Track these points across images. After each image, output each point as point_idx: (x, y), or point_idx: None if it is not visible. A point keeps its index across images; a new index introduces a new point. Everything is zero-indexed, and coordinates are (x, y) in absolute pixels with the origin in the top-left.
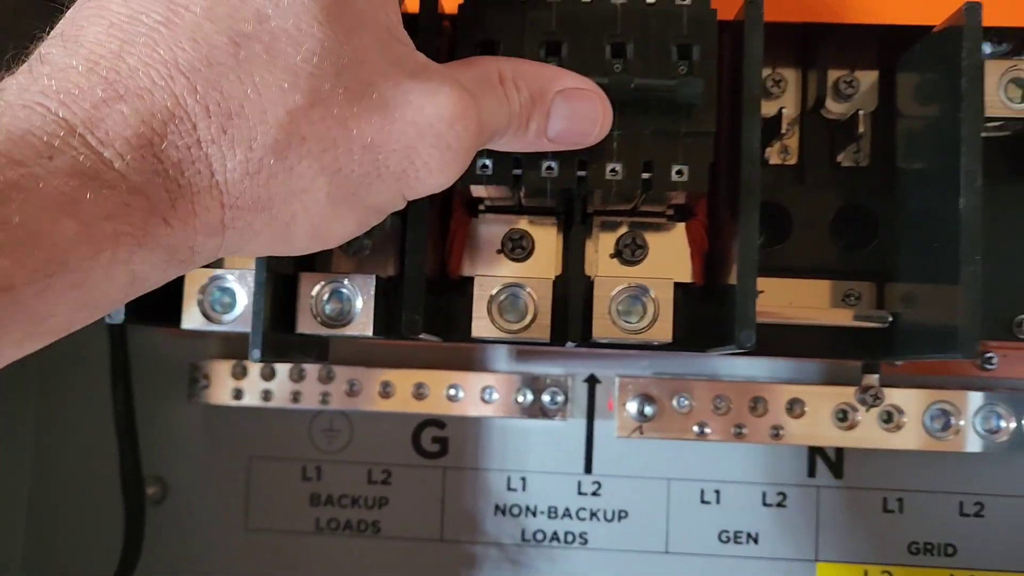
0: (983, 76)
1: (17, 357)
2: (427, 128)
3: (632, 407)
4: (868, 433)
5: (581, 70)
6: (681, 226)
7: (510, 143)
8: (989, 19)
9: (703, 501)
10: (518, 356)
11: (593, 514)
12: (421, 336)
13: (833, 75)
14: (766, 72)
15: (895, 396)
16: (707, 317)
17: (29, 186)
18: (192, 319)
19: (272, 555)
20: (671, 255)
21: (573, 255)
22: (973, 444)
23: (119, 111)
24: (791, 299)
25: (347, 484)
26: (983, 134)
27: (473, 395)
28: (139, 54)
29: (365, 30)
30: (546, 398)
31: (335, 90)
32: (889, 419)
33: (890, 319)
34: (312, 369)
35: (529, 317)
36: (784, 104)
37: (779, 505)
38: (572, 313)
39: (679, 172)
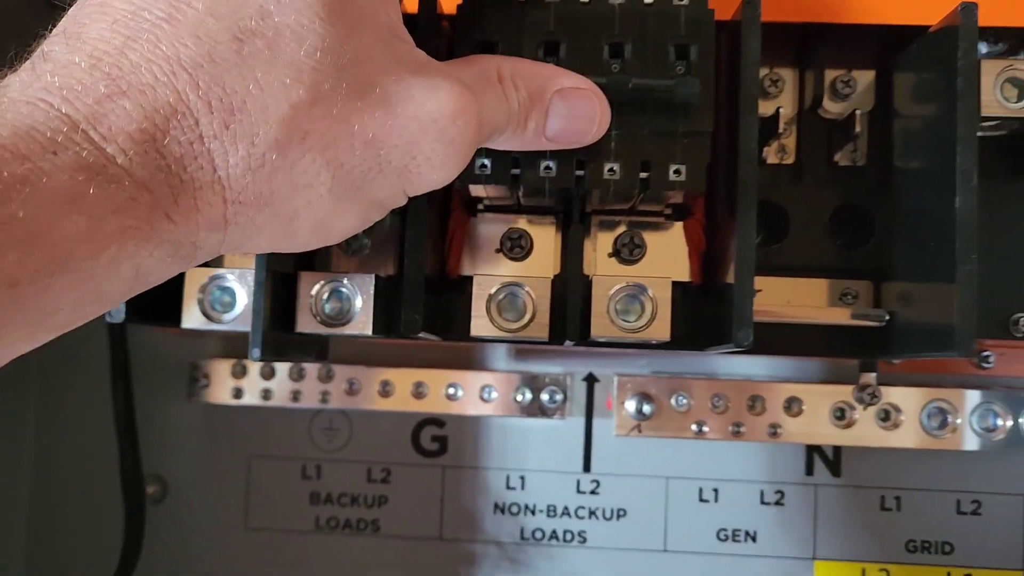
0: (979, 76)
1: (24, 351)
2: (429, 124)
3: (630, 406)
4: (866, 431)
5: (579, 70)
6: (679, 225)
7: (508, 142)
8: (985, 19)
9: (701, 499)
10: (517, 355)
11: (592, 513)
12: (420, 335)
13: (830, 75)
14: (763, 72)
15: (892, 394)
16: (705, 316)
17: (34, 181)
18: (192, 318)
19: (272, 554)
20: (669, 254)
21: (571, 254)
22: (970, 442)
23: (122, 107)
24: (789, 298)
25: (347, 483)
26: (979, 133)
27: (472, 394)
28: (142, 50)
29: (366, 27)
30: (545, 397)
31: (337, 86)
32: (887, 417)
33: (887, 318)
34: (312, 368)
35: (528, 316)
36: (781, 104)
37: (777, 503)
38: (571, 312)
39: (677, 172)
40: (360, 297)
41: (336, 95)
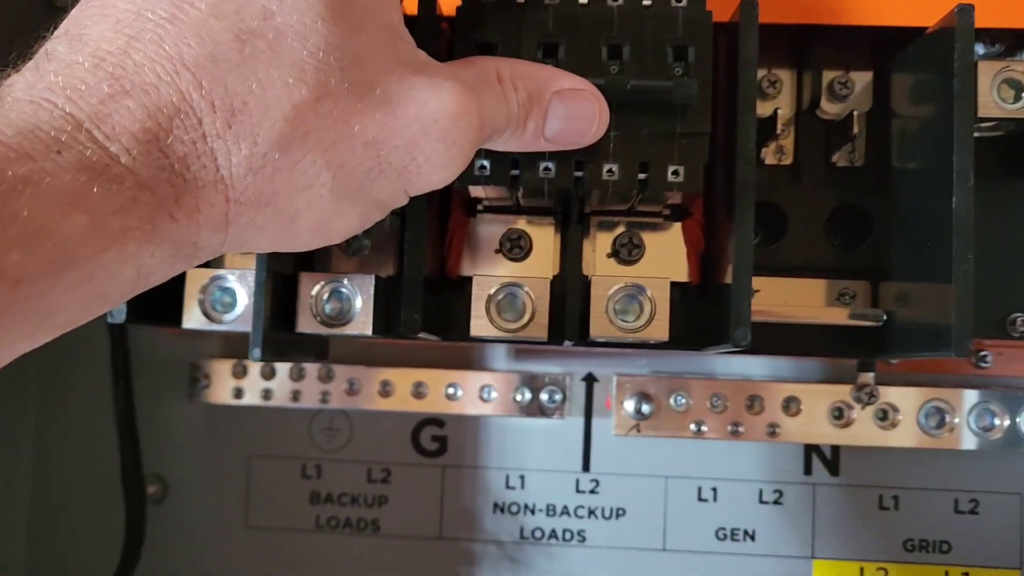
0: (976, 77)
1: (25, 351)
2: (430, 124)
3: (629, 405)
4: (864, 431)
5: (578, 71)
6: (677, 226)
7: (508, 142)
8: (982, 20)
9: (700, 499)
10: (516, 355)
11: (591, 512)
12: (420, 335)
13: (828, 76)
14: (761, 73)
15: (890, 394)
16: (703, 316)
17: (38, 181)
18: (193, 319)
19: (272, 553)
20: (668, 254)
21: (570, 255)
22: (968, 441)
23: (125, 106)
24: (786, 298)
25: (347, 482)
26: (976, 134)
27: (472, 394)
28: (145, 50)
29: (368, 27)
30: (544, 397)
31: (340, 86)
32: (884, 417)
33: (884, 318)
34: (312, 368)
35: (527, 316)
36: (779, 104)
37: (776, 502)
38: (570, 312)
39: (675, 172)
40: (360, 297)
41: (338, 95)
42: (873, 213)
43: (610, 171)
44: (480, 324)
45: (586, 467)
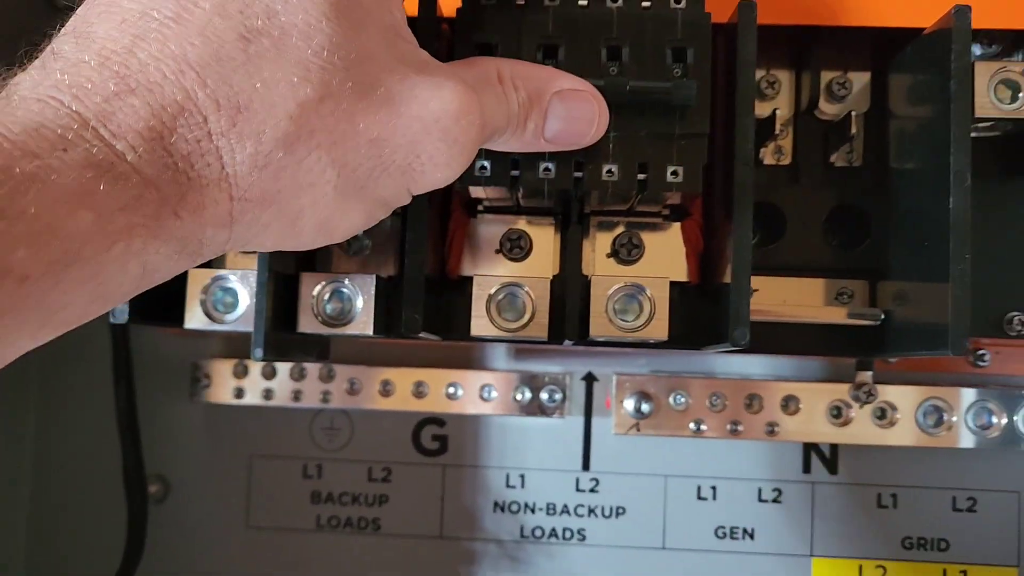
0: (973, 78)
1: (32, 347)
2: (432, 123)
3: (629, 404)
4: (862, 429)
5: (577, 72)
6: (676, 226)
7: (508, 143)
8: (979, 21)
9: (699, 497)
10: (516, 354)
11: (591, 511)
12: (421, 335)
13: (826, 76)
14: (760, 74)
15: (888, 393)
16: (702, 315)
17: (44, 178)
18: (195, 319)
19: (273, 553)
20: (667, 254)
21: (570, 255)
22: (966, 440)
23: (131, 104)
24: (785, 297)
25: (347, 482)
26: (974, 134)
27: (472, 393)
28: (150, 49)
29: (371, 26)
30: (544, 396)
31: (343, 84)
32: (883, 415)
33: (882, 317)
34: (313, 368)
35: (527, 316)
36: (778, 105)
37: (775, 501)
38: (570, 312)
39: (674, 173)
40: (361, 297)
41: (342, 94)
42: (871, 213)
43: (609, 172)
44: (480, 324)
45: (586, 466)
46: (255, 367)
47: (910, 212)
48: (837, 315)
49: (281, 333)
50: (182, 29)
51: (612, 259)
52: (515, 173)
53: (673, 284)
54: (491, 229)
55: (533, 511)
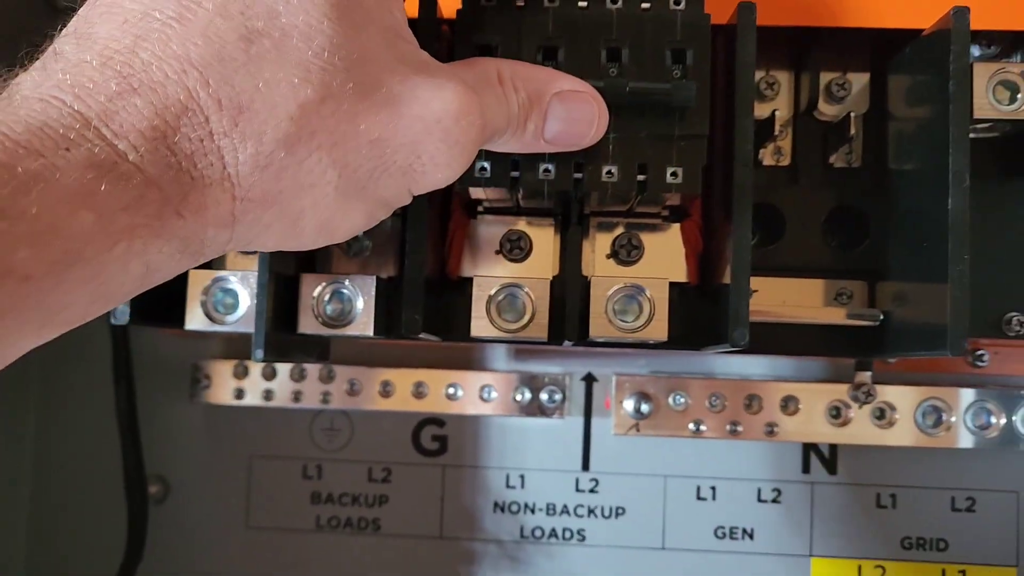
0: (971, 79)
1: (34, 346)
2: (433, 124)
3: (629, 405)
4: (861, 430)
5: (577, 74)
6: (676, 227)
7: (508, 143)
8: (977, 22)
9: (699, 497)
10: (516, 355)
11: (591, 511)
12: (421, 336)
13: (825, 77)
14: (759, 75)
15: (887, 393)
16: (702, 316)
17: (47, 177)
18: (195, 320)
19: (273, 553)
20: (666, 255)
21: (570, 255)
22: (964, 440)
23: (133, 104)
24: (784, 298)
25: (347, 482)
26: (972, 135)
27: (472, 394)
28: (152, 49)
29: (372, 27)
30: (544, 396)
31: (345, 85)
32: (882, 416)
33: (881, 317)
34: (313, 369)
35: (527, 317)
36: (777, 106)
37: (774, 501)
38: (569, 312)
39: (673, 174)
40: (361, 298)
41: (343, 94)
42: (870, 214)
43: (609, 173)
44: (480, 325)
45: (586, 466)
46: (255, 368)
47: (909, 213)
48: (836, 316)
49: (281, 334)
50: (184, 29)
51: (612, 260)
52: (515, 174)
53: (673, 285)
54: (491, 230)
55: (533, 511)
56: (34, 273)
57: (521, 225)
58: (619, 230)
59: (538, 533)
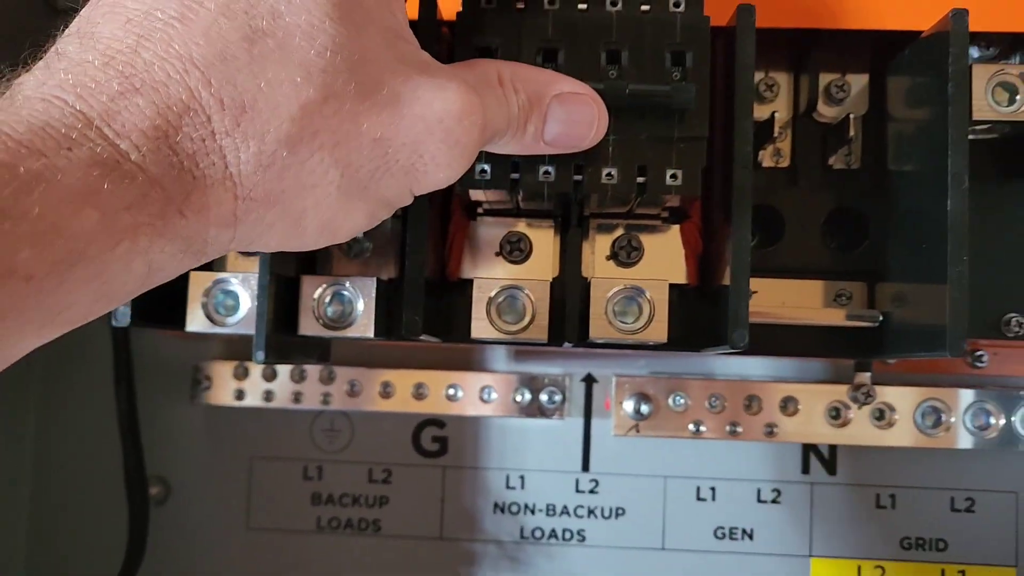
0: (970, 80)
1: (36, 346)
2: (436, 124)
3: (628, 406)
4: (860, 430)
5: (577, 76)
6: (676, 228)
7: (508, 145)
8: (976, 24)
9: (699, 498)
10: (516, 356)
11: (591, 511)
12: (421, 337)
13: (825, 79)
14: (759, 76)
15: (887, 394)
16: (702, 317)
17: (50, 177)
18: (196, 322)
19: (274, 554)
20: (666, 257)
21: (570, 257)
22: (964, 440)
23: (135, 104)
24: (784, 299)
25: (348, 483)
26: (971, 136)
27: (472, 395)
28: (155, 49)
29: (373, 27)
30: (544, 397)
31: (347, 85)
32: (881, 416)
33: (881, 318)
34: (313, 370)
35: (527, 318)
36: (777, 108)
37: (774, 502)
38: (569, 314)
39: (673, 176)
40: (362, 300)
41: (345, 94)
42: (869, 215)
43: (609, 175)
44: (481, 326)
45: (585, 467)
46: (255, 369)
47: (908, 214)
48: (836, 317)
49: (282, 336)
50: (187, 29)
51: (611, 261)
52: (515, 176)
53: (672, 286)
54: (491, 231)
55: (533, 512)
56: (36, 273)
57: (521, 227)
58: (619, 232)
59: (538, 534)
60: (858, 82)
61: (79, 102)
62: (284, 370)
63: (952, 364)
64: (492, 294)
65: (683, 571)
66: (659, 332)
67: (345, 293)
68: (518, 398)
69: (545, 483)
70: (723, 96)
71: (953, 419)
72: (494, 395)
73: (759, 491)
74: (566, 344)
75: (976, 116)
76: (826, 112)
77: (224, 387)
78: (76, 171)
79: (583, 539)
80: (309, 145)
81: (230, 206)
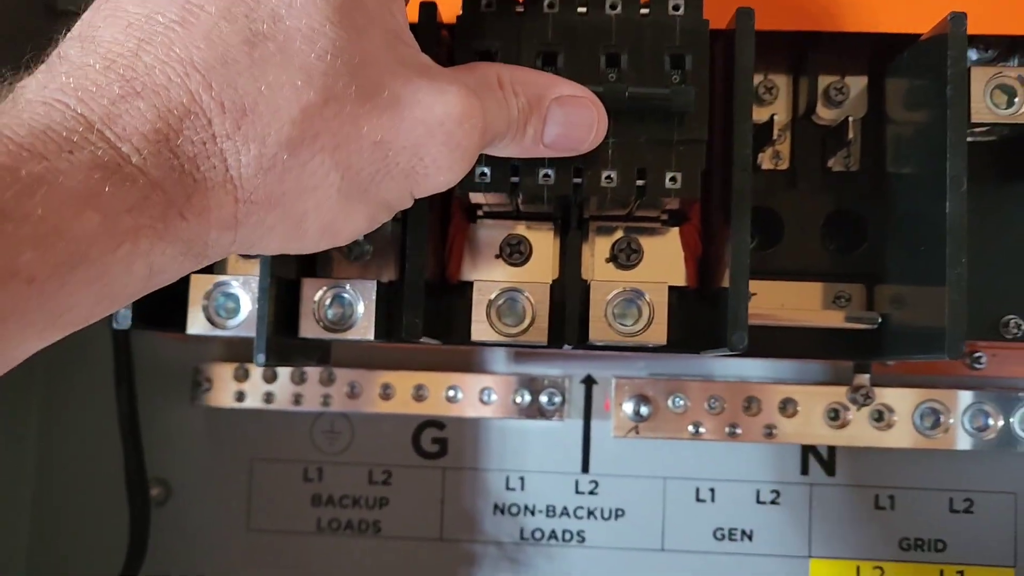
0: (969, 83)
1: (38, 348)
2: (436, 127)
3: (628, 407)
4: (859, 432)
5: (576, 79)
6: (675, 231)
7: (508, 148)
8: (975, 27)
9: (698, 499)
10: (516, 358)
11: (590, 513)
12: (421, 339)
13: (824, 81)
14: (758, 79)
15: (886, 395)
16: (701, 320)
17: (51, 180)
18: (197, 324)
19: (274, 555)
20: (665, 259)
21: (570, 259)
22: (962, 442)
23: (136, 107)
24: (783, 301)
25: (348, 485)
26: (970, 139)
27: (472, 396)
28: (155, 52)
29: (374, 30)
30: (544, 399)
31: (347, 88)
32: (880, 418)
33: (880, 320)
34: (313, 372)
35: (527, 321)
36: (776, 110)
37: (773, 503)
38: (569, 316)
39: (672, 179)
40: (362, 302)
41: (346, 97)
42: (868, 217)
43: (608, 178)
44: (481, 329)
45: (585, 468)
46: (256, 371)
47: (907, 216)
48: (835, 319)
49: (283, 338)
50: (187, 33)
51: (611, 264)
52: (515, 179)
53: (672, 289)
54: (491, 234)
55: (533, 513)
56: (39, 275)
57: (521, 229)
58: (618, 234)
59: (538, 535)
60: (857, 84)
61: (80, 105)
62: (284, 372)
63: (951, 366)
64: (492, 296)
65: (683, 572)
66: (658, 334)
67: (345, 295)
68: (518, 400)
69: (545, 484)
70: (722, 99)
71: (952, 420)
72: (494, 397)
73: (758, 492)
74: (566, 346)
75: (975, 118)
76: (825, 114)
77: (224, 389)
78: (77, 174)
79: (583, 540)
80: (310, 148)
81: (231, 209)
